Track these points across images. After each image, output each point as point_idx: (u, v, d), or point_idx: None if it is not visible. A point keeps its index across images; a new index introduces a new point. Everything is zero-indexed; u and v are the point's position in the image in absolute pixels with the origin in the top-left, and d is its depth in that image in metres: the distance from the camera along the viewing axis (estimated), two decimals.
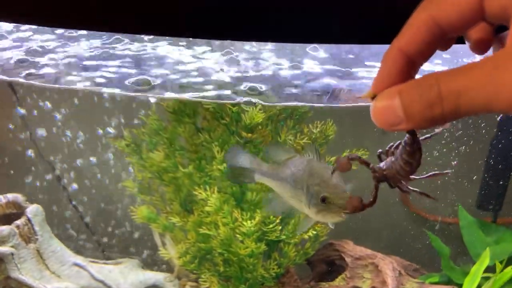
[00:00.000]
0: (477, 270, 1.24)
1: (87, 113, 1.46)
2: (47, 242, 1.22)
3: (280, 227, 1.20)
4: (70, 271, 1.23)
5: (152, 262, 1.45)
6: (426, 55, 0.37)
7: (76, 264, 1.24)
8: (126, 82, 0.84)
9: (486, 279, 1.26)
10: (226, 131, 1.17)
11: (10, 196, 1.24)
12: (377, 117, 0.36)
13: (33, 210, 1.19)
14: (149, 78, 0.83)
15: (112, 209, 1.57)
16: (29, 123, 1.59)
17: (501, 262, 1.26)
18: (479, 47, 0.39)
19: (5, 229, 1.10)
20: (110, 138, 1.30)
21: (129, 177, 1.37)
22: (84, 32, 0.89)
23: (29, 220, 1.18)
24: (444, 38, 0.36)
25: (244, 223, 1.20)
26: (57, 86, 0.89)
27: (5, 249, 1.07)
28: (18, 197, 1.25)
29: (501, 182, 1.40)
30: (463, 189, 1.52)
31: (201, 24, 0.46)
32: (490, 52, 0.41)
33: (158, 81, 0.84)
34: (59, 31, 0.85)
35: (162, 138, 1.30)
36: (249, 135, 1.10)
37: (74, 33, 0.87)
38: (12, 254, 1.09)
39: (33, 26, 0.83)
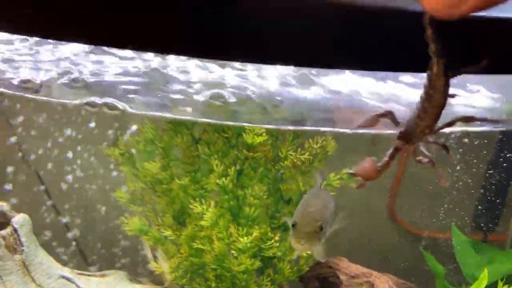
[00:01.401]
0: None
1: (80, 119, 1.41)
2: (33, 253, 1.16)
3: (277, 244, 1.18)
4: (56, 284, 1.18)
5: (140, 275, 1.40)
6: None
7: (63, 277, 1.19)
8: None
9: None
10: (226, 144, 1.14)
11: None
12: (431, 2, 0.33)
13: (19, 220, 1.14)
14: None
15: (100, 218, 1.52)
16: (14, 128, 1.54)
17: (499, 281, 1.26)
18: None
19: None
20: (103, 146, 1.25)
21: (120, 186, 1.32)
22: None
23: (15, 230, 1.13)
24: None
25: (240, 239, 1.17)
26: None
27: None
28: (3, 206, 1.19)
29: (498, 201, 1.41)
30: (459, 205, 1.52)
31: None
32: None
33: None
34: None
35: (157, 147, 1.26)
36: (251, 154, 1.08)
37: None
38: None
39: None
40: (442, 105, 0.42)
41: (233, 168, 1.12)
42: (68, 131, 1.40)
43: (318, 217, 0.80)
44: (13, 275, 1.09)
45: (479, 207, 1.45)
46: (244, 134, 1.06)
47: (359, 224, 1.65)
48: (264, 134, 1.06)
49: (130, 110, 0.72)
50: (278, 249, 1.21)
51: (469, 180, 1.47)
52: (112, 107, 0.73)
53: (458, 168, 1.49)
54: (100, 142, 1.33)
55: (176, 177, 1.21)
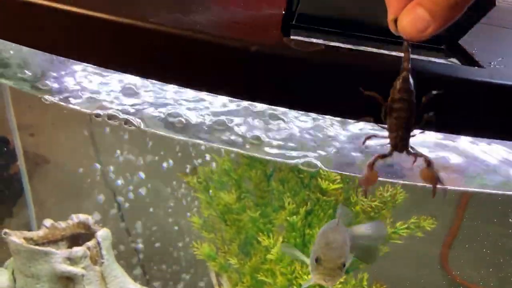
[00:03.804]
0: None
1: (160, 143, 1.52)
2: (111, 266, 1.25)
3: (340, 286, 1.21)
4: None
5: None
6: None
7: None
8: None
9: None
10: (299, 183, 1.19)
11: (82, 217, 1.29)
12: (406, 30, 0.42)
13: (103, 234, 1.24)
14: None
15: (168, 241, 1.61)
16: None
17: None
18: None
19: (79, 250, 1.14)
20: (181, 173, 1.35)
21: (193, 213, 1.40)
22: None
23: (98, 243, 1.22)
24: None
25: (304, 276, 1.21)
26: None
27: (77, 270, 1.11)
28: (89, 219, 1.30)
29: None
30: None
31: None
32: None
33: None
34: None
35: (231, 179, 1.34)
36: (324, 197, 1.13)
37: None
38: (83, 275, 1.13)
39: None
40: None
41: (304, 207, 1.17)
42: (149, 157, 1.52)
43: (340, 254, 0.79)
44: (93, 285, 1.18)
45: None
46: (319, 179, 1.12)
47: (409, 273, 1.65)
48: (338, 181, 1.11)
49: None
50: None
51: None
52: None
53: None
54: (180, 170, 1.43)
55: (248, 209, 1.28)
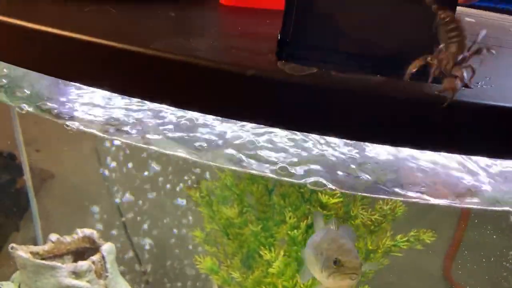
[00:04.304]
0: None
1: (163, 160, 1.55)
2: (115, 280, 1.27)
3: None
4: None
5: None
6: None
7: None
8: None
9: None
10: (300, 198, 1.21)
11: (88, 231, 1.31)
12: None
13: (108, 248, 1.26)
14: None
15: (172, 255, 1.62)
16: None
17: None
18: None
19: (84, 264, 1.16)
20: (186, 186, 1.37)
21: (196, 226, 1.43)
22: None
23: (103, 257, 1.25)
24: None
25: None
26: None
27: (82, 283, 1.14)
28: (94, 233, 1.32)
29: None
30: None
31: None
32: None
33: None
34: None
35: (233, 193, 1.36)
36: (324, 211, 1.15)
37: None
38: None
39: None
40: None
41: (305, 221, 1.19)
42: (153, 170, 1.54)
43: (355, 254, 0.81)
44: None
45: None
46: (319, 193, 1.14)
47: (413, 285, 1.66)
48: (338, 195, 1.13)
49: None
50: None
51: None
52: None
53: None
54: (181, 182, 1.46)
55: (249, 223, 1.30)
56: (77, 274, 1.14)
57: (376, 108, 0.48)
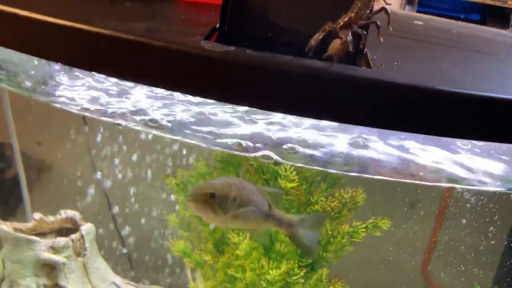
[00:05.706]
0: None
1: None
2: (93, 258, 1.36)
3: (302, 280, 1.30)
4: None
5: None
6: None
7: (114, 283, 1.37)
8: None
9: None
10: (265, 185, 1.30)
11: (70, 212, 1.41)
12: None
13: (87, 228, 1.35)
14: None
15: (152, 238, 1.72)
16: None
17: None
18: None
19: (62, 240, 1.25)
20: (163, 175, 1.46)
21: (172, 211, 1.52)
22: None
23: (82, 236, 1.34)
24: None
25: (270, 271, 1.30)
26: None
27: (59, 258, 1.22)
28: (76, 214, 1.41)
29: None
30: (483, 267, 1.57)
31: None
32: None
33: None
34: None
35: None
36: (286, 196, 1.23)
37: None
38: (64, 264, 1.23)
39: None
40: None
41: None
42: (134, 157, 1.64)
43: (224, 188, 0.77)
44: (74, 274, 1.29)
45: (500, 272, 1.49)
46: (279, 179, 1.22)
47: (389, 279, 1.73)
48: (296, 180, 1.22)
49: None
50: (303, 286, 1.33)
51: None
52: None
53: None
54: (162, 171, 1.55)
55: None
56: (55, 249, 1.23)
57: (278, 81, 0.57)
